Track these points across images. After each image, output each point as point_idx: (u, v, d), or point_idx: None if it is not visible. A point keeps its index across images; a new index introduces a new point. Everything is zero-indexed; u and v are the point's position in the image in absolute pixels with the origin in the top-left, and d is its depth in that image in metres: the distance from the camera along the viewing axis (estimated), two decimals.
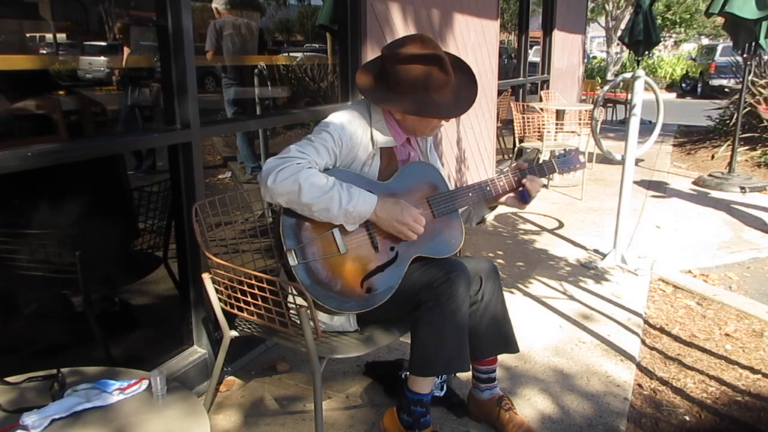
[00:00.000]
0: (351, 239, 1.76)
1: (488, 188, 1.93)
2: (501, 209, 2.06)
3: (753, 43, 5.64)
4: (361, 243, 1.77)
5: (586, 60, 12.93)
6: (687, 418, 2.24)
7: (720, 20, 6.51)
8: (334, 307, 1.74)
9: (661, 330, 2.95)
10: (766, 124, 7.43)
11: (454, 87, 1.82)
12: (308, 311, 1.68)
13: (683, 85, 19.81)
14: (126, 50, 2.27)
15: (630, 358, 2.60)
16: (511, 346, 2.02)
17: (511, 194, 1.99)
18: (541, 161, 2.00)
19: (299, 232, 1.72)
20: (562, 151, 2.05)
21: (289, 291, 1.80)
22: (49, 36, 2.18)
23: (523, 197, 1.96)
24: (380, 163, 1.85)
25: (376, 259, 1.79)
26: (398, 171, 1.87)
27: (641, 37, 9.10)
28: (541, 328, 2.87)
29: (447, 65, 1.77)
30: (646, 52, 10.78)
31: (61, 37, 2.18)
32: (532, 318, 2.99)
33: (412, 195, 1.86)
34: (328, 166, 1.76)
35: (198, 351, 2.37)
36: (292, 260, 1.69)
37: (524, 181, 1.94)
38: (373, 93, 1.82)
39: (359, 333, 1.89)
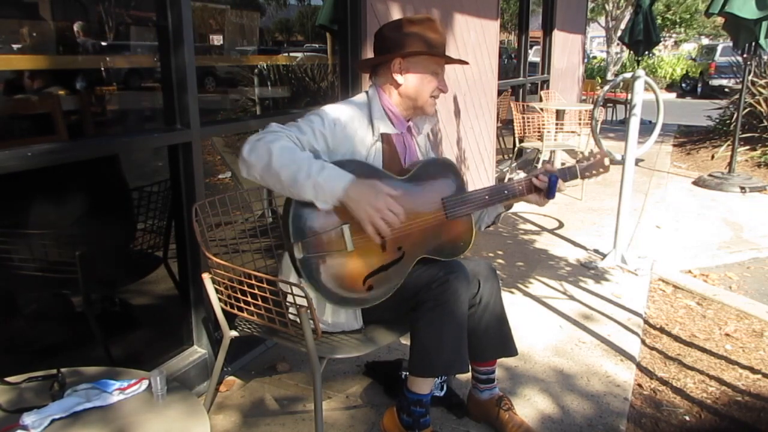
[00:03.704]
0: (360, 237, 1.71)
1: (505, 192, 1.90)
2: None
3: (753, 43, 5.64)
4: (370, 241, 1.73)
5: (586, 60, 12.94)
6: (687, 418, 2.24)
7: (720, 20, 6.52)
8: (335, 302, 1.73)
9: (661, 330, 2.95)
10: (766, 124, 7.43)
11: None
12: (308, 311, 1.68)
13: (683, 85, 19.81)
14: None
15: (630, 358, 2.60)
16: (510, 349, 2.02)
17: (535, 193, 1.92)
18: (565, 165, 1.96)
19: (308, 224, 1.67)
20: (587, 156, 2.00)
21: (290, 291, 1.80)
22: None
23: (551, 191, 1.88)
24: (382, 154, 1.82)
25: (382, 259, 1.76)
26: (418, 166, 1.83)
27: (641, 37, 9.09)
28: (541, 328, 2.87)
29: (437, 26, 1.84)
30: (646, 52, 10.77)
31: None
32: (532, 318, 2.99)
33: (428, 194, 1.83)
34: (314, 147, 1.70)
35: (198, 351, 2.37)
36: (298, 252, 1.65)
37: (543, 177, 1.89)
38: (376, 56, 1.84)
39: (361, 333, 1.88)
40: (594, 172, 1.99)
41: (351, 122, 1.78)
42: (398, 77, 1.81)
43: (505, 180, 5.90)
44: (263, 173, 1.61)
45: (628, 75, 3.69)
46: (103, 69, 2.43)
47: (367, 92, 1.88)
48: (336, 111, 1.78)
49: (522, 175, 6.54)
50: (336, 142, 1.74)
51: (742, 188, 5.86)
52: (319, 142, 1.71)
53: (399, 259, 1.78)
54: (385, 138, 1.84)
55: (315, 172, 1.58)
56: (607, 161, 2.00)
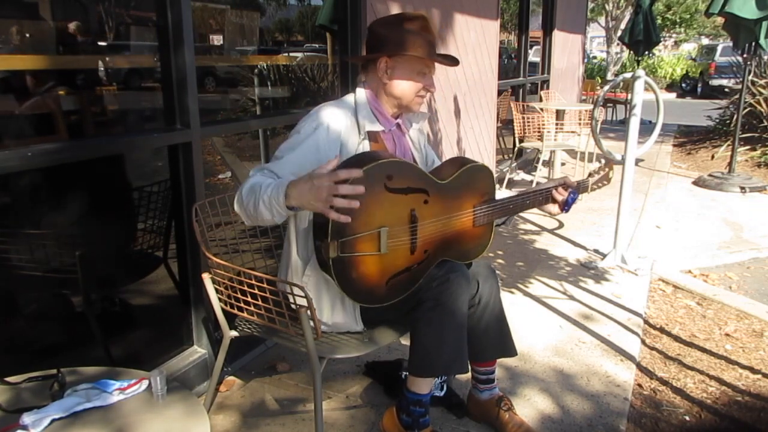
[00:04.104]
0: (395, 241, 1.69)
1: (527, 201, 1.94)
2: None
3: (753, 43, 5.64)
4: (402, 244, 1.72)
5: (585, 60, 12.94)
6: (687, 418, 2.24)
7: (720, 20, 6.52)
8: (355, 300, 1.72)
9: (661, 330, 2.95)
10: (766, 124, 7.43)
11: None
12: (308, 311, 1.68)
13: (683, 85, 19.80)
14: None
15: (630, 358, 2.60)
16: (509, 349, 2.02)
17: (552, 204, 1.99)
18: (579, 180, 2.04)
19: (347, 224, 1.59)
20: (596, 170, 2.10)
21: (290, 291, 1.80)
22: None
23: (568, 205, 1.97)
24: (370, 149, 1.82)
25: (409, 261, 1.75)
26: (460, 172, 1.82)
27: (641, 37, 9.10)
28: (541, 328, 2.87)
29: (429, 24, 1.82)
30: (646, 52, 10.78)
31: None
32: (532, 318, 2.99)
33: (463, 200, 1.83)
34: (302, 165, 1.69)
35: (198, 351, 2.37)
36: (333, 252, 1.61)
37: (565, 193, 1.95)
38: (367, 50, 1.83)
39: (362, 333, 1.88)
40: (600, 185, 2.10)
41: (336, 122, 1.77)
42: (384, 77, 1.81)
43: (505, 180, 5.90)
44: (248, 218, 1.64)
45: (628, 75, 3.69)
46: (103, 69, 2.43)
47: (355, 91, 1.88)
48: (320, 114, 1.78)
49: (522, 174, 6.55)
50: (324, 144, 1.73)
51: (742, 188, 5.86)
52: (307, 154, 1.70)
53: (423, 261, 1.78)
54: (372, 136, 1.83)
55: (262, 192, 1.55)
56: (611, 174, 2.09)
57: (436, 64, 1.87)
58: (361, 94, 1.85)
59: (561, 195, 1.95)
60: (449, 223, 1.81)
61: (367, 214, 1.61)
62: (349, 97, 1.87)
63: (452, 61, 1.86)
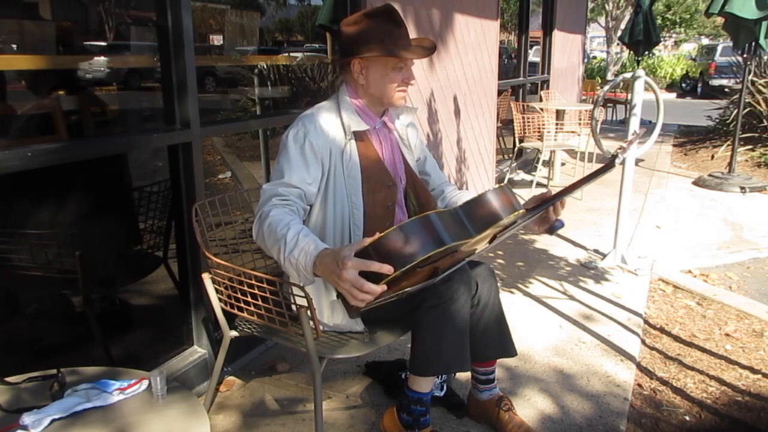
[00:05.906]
0: (414, 288, 1.63)
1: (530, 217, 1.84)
2: None
3: (753, 43, 5.64)
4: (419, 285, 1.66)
5: (585, 60, 12.93)
6: (687, 418, 2.24)
7: (720, 20, 6.52)
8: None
9: (661, 330, 2.95)
10: (766, 124, 7.43)
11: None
12: (308, 311, 1.68)
13: (683, 85, 19.80)
14: None
15: (630, 358, 2.60)
16: (509, 350, 2.01)
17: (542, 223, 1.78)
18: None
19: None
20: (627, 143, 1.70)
21: (290, 291, 1.80)
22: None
23: (554, 230, 1.77)
24: (357, 150, 1.81)
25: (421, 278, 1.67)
26: (494, 227, 1.51)
27: (641, 37, 9.08)
28: (541, 328, 2.87)
29: (397, 15, 1.78)
30: (646, 52, 10.77)
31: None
32: (532, 318, 2.99)
33: (486, 237, 1.62)
34: (306, 175, 1.71)
35: (198, 351, 2.37)
36: (355, 312, 1.57)
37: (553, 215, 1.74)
38: (341, 51, 1.80)
39: (363, 333, 1.88)
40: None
41: (324, 126, 1.78)
42: (360, 78, 1.80)
43: (506, 180, 5.90)
44: (271, 255, 1.62)
45: (628, 75, 3.69)
46: (103, 69, 2.43)
47: (337, 93, 1.88)
48: (305, 120, 1.78)
49: (522, 174, 6.56)
50: (317, 148, 1.74)
51: (742, 188, 5.86)
52: (302, 162, 1.71)
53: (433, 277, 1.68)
54: (358, 135, 1.83)
55: (287, 252, 1.50)
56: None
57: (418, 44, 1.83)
58: (344, 95, 1.85)
59: (556, 213, 1.74)
60: (474, 247, 1.65)
61: (394, 285, 1.43)
62: (333, 99, 1.87)
63: (425, 51, 1.82)
